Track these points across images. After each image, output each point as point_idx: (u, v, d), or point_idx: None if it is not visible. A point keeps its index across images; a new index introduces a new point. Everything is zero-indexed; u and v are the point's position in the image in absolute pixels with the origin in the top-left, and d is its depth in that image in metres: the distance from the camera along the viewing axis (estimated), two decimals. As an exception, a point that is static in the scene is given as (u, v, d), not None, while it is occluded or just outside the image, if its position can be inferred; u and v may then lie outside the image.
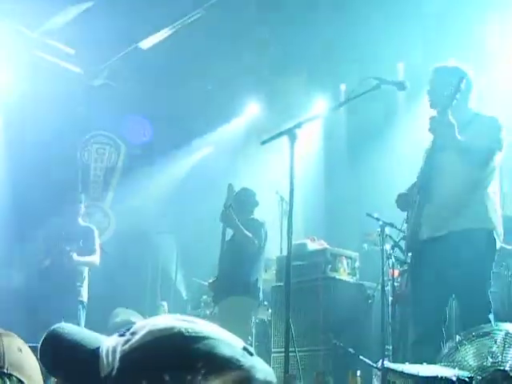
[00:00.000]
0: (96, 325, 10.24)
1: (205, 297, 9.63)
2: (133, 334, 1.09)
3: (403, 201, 5.39)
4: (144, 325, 1.09)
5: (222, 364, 1.04)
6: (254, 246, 7.36)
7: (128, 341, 1.07)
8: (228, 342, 1.09)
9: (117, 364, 1.05)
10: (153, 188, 12.02)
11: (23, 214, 10.54)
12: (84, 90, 11.38)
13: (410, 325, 5.28)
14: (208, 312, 9.53)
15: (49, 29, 10.13)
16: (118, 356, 1.06)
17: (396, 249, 6.71)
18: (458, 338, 4.08)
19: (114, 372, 1.04)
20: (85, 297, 8.34)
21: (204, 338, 1.06)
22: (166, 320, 1.11)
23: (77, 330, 1.17)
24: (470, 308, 4.82)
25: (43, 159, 10.83)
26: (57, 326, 1.16)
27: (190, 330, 1.06)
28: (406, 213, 5.51)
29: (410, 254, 5.43)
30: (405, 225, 5.89)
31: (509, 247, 6.12)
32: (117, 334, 1.12)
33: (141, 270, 11.90)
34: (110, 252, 10.04)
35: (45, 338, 1.14)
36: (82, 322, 8.14)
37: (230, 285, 7.27)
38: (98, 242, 8.63)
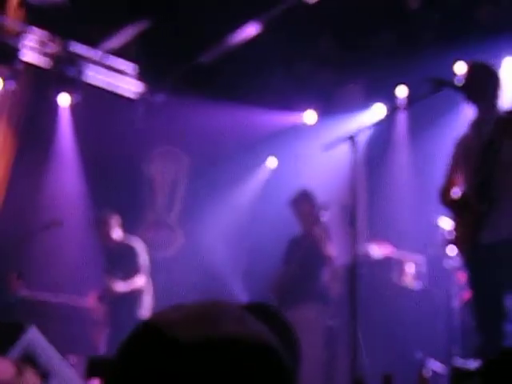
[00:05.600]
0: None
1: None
2: None
3: (455, 203, 5.23)
4: None
5: None
6: (330, 262, 7.33)
7: None
8: None
9: None
10: (218, 201, 12.06)
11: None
12: (146, 106, 11.57)
13: (475, 327, 5.20)
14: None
15: (110, 47, 10.37)
16: None
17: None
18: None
19: None
20: (144, 311, 8.10)
21: None
22: None
23: None
24: None
25: (108, 175, 11.07)
26: None
27: None
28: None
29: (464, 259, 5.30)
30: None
31: None
32: None
33: (209, 282, 11.87)
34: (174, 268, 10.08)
35: None
36: None
37: (302, 292, 7.18)
38: (141, 260, 8.23)
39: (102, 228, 8.35)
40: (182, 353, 0.96)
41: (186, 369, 0.95)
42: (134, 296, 8.02)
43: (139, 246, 8.33)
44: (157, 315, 1.05)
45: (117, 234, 8.37)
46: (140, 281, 8.09)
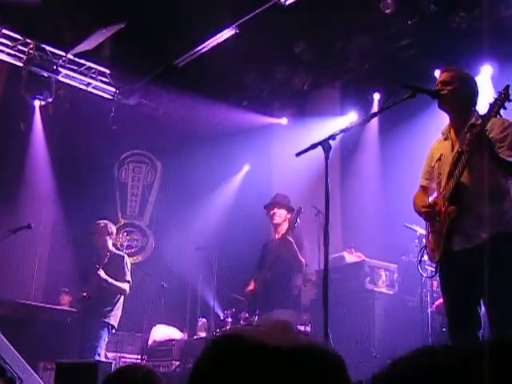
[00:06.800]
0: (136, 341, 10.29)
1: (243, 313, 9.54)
2: None
3: (428, 209, 5.21)
4: None
5: None
6: (302, 267, 7.33)
7: None
8: None
9: None
10: (191, 204, 11.99)
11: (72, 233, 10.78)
12: (119, 108, 11.47)
13: (448, 333, 5.16)
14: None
15: (83, 49, 10.26)
16: None
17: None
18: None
19: None
20: (113, 320, 8.04)
21: None
22: None
23: None
24: (501, 312, 4.66)
25: (81, 179, 10.97)
26: None
27: None
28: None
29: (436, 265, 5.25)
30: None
31: None
32: None
33: (180, 287, 11.77)
34: (150, 272, 10.02)
35: None
36: (103, 343, 7.86)
37: (274, 297, 7.16)
38: (127, 269, 8.26)
39: (97, 236, 8.31)
40: (272, 356, 1.07)
41: (277, 371, 1.06)
42: (111, 298, 8.02)
43: (127, 257, 8.38)
44: (229, 330, 1.17)
45: (111, 243, 8.37)
46: (122, 286, 8.10)
